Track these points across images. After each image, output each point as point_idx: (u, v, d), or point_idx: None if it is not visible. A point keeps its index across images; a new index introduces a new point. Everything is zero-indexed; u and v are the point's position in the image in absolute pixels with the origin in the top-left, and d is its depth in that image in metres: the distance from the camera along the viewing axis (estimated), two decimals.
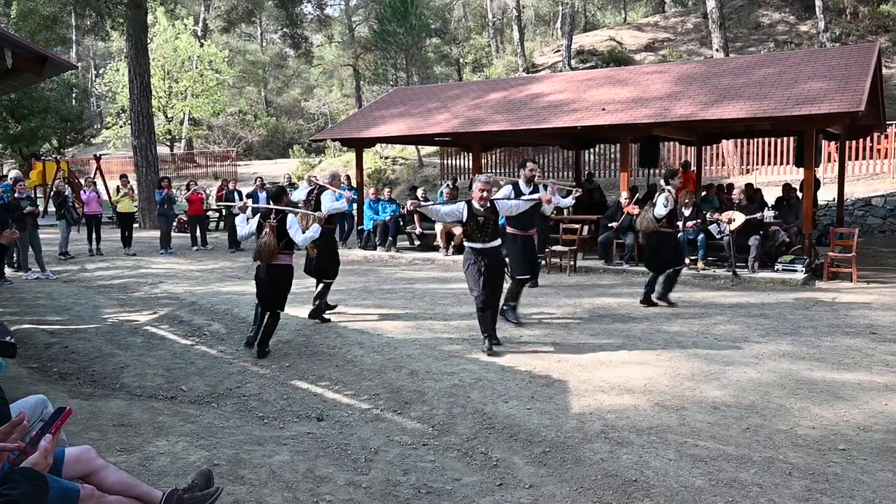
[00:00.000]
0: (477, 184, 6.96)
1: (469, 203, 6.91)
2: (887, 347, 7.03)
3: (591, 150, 21.22)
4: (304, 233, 7.10)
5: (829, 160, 18.52)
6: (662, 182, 9.22)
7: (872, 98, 12.20)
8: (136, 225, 16.71)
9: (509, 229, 8.21)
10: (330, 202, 8.39)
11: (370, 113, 17.58)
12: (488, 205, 6.90)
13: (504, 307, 8.01)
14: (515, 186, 8.28)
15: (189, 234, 17.00)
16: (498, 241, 6.99)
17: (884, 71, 18.10)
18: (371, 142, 17.25)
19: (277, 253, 7.04)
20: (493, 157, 24.81)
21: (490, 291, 6.88)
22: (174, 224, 18.06)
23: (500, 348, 7.10)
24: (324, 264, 8.41)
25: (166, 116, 37.12)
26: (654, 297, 9.17)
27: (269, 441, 4.83)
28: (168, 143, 38.53)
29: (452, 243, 14.45)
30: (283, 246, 7.08)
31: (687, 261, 11.97)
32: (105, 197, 19.92)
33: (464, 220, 6.90)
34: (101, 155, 25.95)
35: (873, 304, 9.29)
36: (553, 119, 13.49)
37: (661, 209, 8.90)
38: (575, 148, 18.56)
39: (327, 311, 8.54)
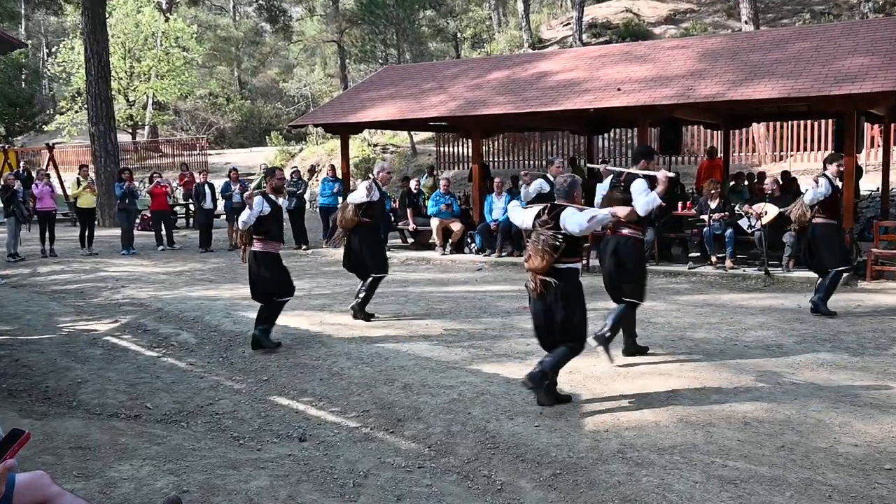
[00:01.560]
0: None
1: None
2: None
3: (605, 135, 21.23)
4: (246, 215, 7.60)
5: (872, 145, 18.54)
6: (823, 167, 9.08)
7: None
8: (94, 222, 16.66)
9: (627, 230, 6.89)
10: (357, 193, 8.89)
11: (357, 95, 17.58)
12: None
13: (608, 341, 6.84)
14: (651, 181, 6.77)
15: (153, 233, 17.00)
16: None
17: None
18: (358, 127, 17.26)
19: (251, 238, 7.71)
20: (496, 143, 24.83)
21: None
22: (136, 221, 18.05)
23: (508, 360, 7.10)
24: (362, 258, 8.94)
25: (127, 100, 37.05)
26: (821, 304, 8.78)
27: (246, 464, 4.83)
28: (130, 130, 38.48)
29: (450, 241, 14.48)
30: (255, 230, 7.66)
31: (713, 259, 12.01)
32: (59, 191, 19.90)
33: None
34: (54, 144, 25.93)
35: None
36: (562, 101, 13.50)
37: (809, 193, 8.62)
38: (587, 133, 18.57)
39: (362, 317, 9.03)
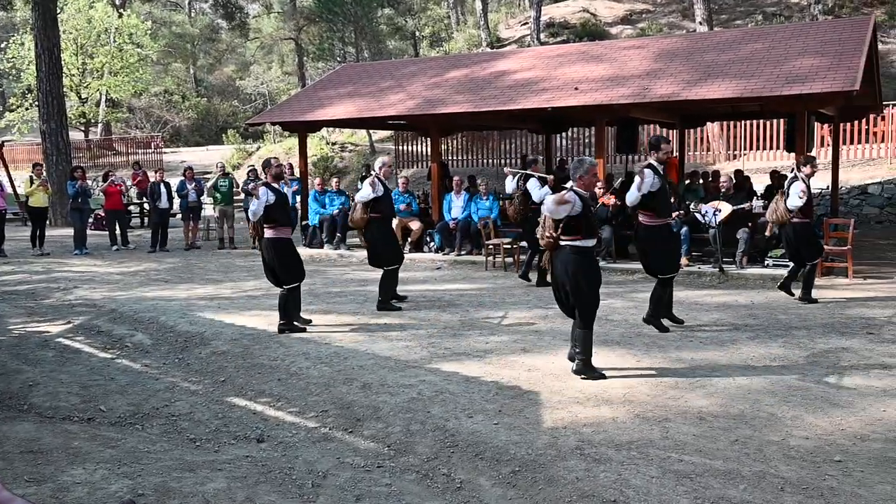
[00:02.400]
0: (592, 168, 6.48)
1: (574, 191, 6.33)
2: (885, 349, 7.23)
3: (563, 134, 21.39)
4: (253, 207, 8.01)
5: (822, 144, 18.96)
6: (795, 170, 9.56)
7: (868, 76, 12.51)
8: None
9: (643, 217, 8.01)
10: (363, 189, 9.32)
11: (315, 93, 17.47)
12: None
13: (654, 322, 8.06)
14: (656, 171, 7.86)
15: (107, 232, 16.74)
16: None
17: (880, 46, 18.59)
18: (316, 126, 17.16)
19: (262, 228, 8.08)
20: (454, 142, 24.87)
21: None
22: (90, 220, 17.73)
23: (467, 359, 7.13)
24: (377, 251, 9.37)
25: (80, 97, 36.36)
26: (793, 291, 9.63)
27: (202, 466, 4.78)
28: (82, 128, 37.78)
29: (409, 239, 14.47)
30: (265, 219, 8.03)
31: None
32: (9, 190, 19.47)
33: (576, 213, 6.27)
34: (4, 142, 25.31)
35: (870, 301, 9.54)
36: (520, 100, 13.56)
37: (795, 200, 9.17)
38: (545, 132, 18.70)
39: (396, 301, 9.53)
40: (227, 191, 16.46)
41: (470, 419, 5.52)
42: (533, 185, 10.45)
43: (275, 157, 8.77)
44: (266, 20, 48.69)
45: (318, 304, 9.77)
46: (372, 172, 9.48)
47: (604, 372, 6.44)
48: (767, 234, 10.95)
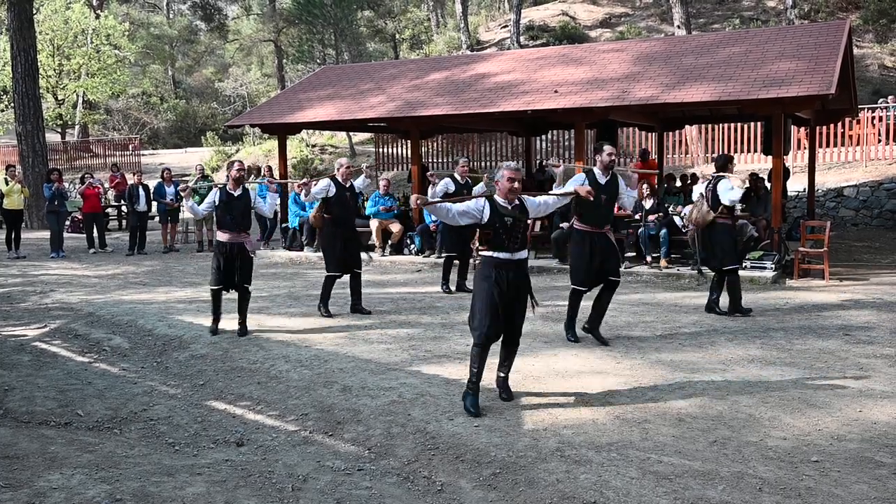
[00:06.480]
0: (504, 172, 5.78)
1: (491, 198, 5.80)
2: (861, 349, 7.31)
3: (543, 136, 21.46)
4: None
5: (798, 147, 19.16)
6: (715, 171, 9.00)
7: (843, 80, 12.66)
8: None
9: (578, 225, 7.66)
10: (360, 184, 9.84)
11: (294, 95, 17.42)
12: (517, 201, 5.78)
13: (568, 336, 7.78)
14: (590, 175, 7.52)
15: (84, 235, 16.60)
16: (526, 253, 5.89)
17: (855, 51, 18.80)
18: (296, 128, 17.08)
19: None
20: (434, 144, 24.87)
21: (503, 322, 5.79)
22: (66, 223, 17.57)
23: (448, 361, 7.13)
24: (323, 255, 9.59)
25: (56, 99, 36.03)
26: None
27: (182, 470, 4.75)
28: (59, 130, 37.45)
29: (389, 242, 14.45)
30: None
31: (649, 258, 12.25)
32: None
33: (484, 220, 5.70)
34: None
35: (846, 303, 9.64)
36: (500, 102, 13.59)
37: (737, 193, 8.64)
38: (525, 134, 18.75)
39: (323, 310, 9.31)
40: (206, 193, 16.34)
41: (450, 421, 5.52)
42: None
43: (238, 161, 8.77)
44: (245, 22, 48.50)
45: (298, 307, 9.73)
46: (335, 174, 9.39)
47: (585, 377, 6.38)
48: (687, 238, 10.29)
